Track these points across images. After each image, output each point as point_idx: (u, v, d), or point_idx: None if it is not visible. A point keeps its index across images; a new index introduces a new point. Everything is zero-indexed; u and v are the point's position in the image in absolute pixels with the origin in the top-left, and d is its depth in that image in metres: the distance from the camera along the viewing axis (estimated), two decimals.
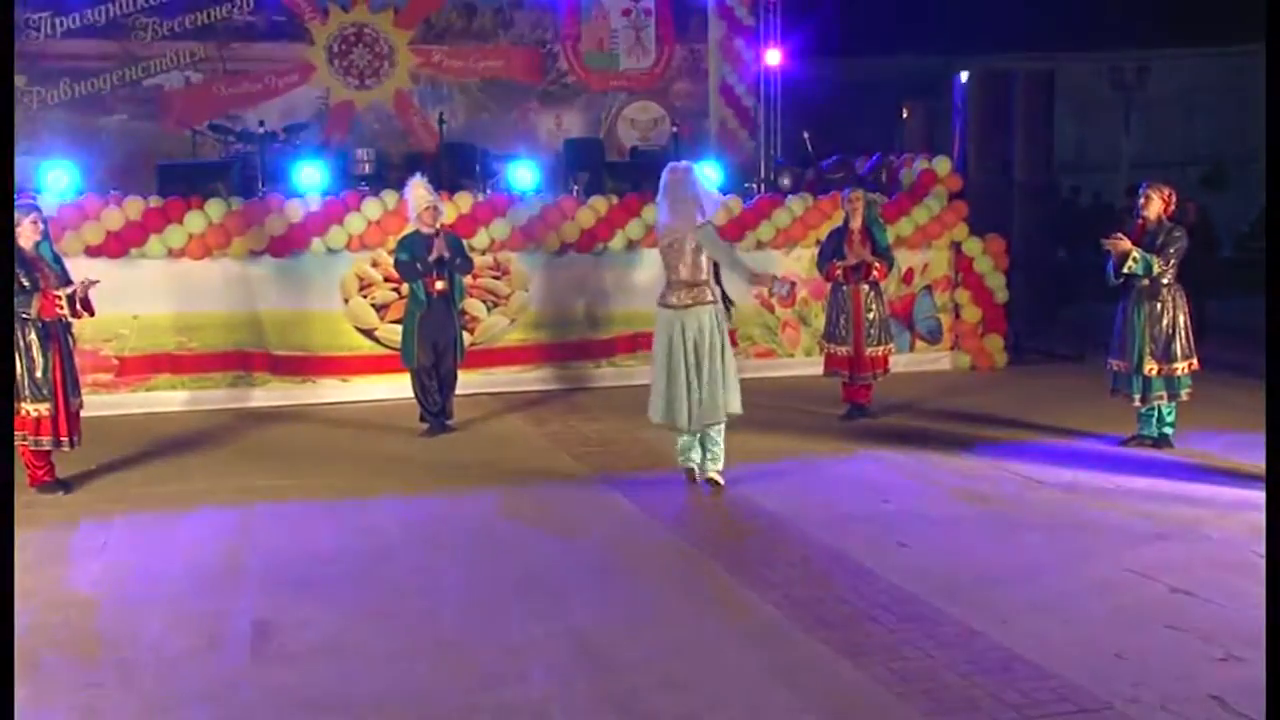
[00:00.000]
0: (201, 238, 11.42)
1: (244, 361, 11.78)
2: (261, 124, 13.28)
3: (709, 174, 9.84)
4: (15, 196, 8.98)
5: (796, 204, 13.05)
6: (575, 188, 13.25)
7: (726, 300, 8.50)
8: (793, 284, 8.88)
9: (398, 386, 11.09)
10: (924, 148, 15.49)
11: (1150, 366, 9.00)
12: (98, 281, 8.45)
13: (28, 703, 4.93)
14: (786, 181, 13.79)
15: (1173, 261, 8.92)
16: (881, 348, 10.51)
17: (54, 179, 11.53)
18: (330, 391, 11.93)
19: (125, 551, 7.11)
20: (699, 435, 8.26)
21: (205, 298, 11.62)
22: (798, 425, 10.42)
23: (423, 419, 10.28)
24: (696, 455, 8.35)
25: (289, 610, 6.02)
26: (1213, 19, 31.57)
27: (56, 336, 8.27)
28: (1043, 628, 5.59)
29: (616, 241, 12.49)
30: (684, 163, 8.55)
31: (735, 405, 8.24)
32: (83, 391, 8.70)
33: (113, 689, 5.11)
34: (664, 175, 8.30)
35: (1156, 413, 9.21)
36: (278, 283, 11.81)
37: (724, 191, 13.09)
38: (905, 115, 23.40)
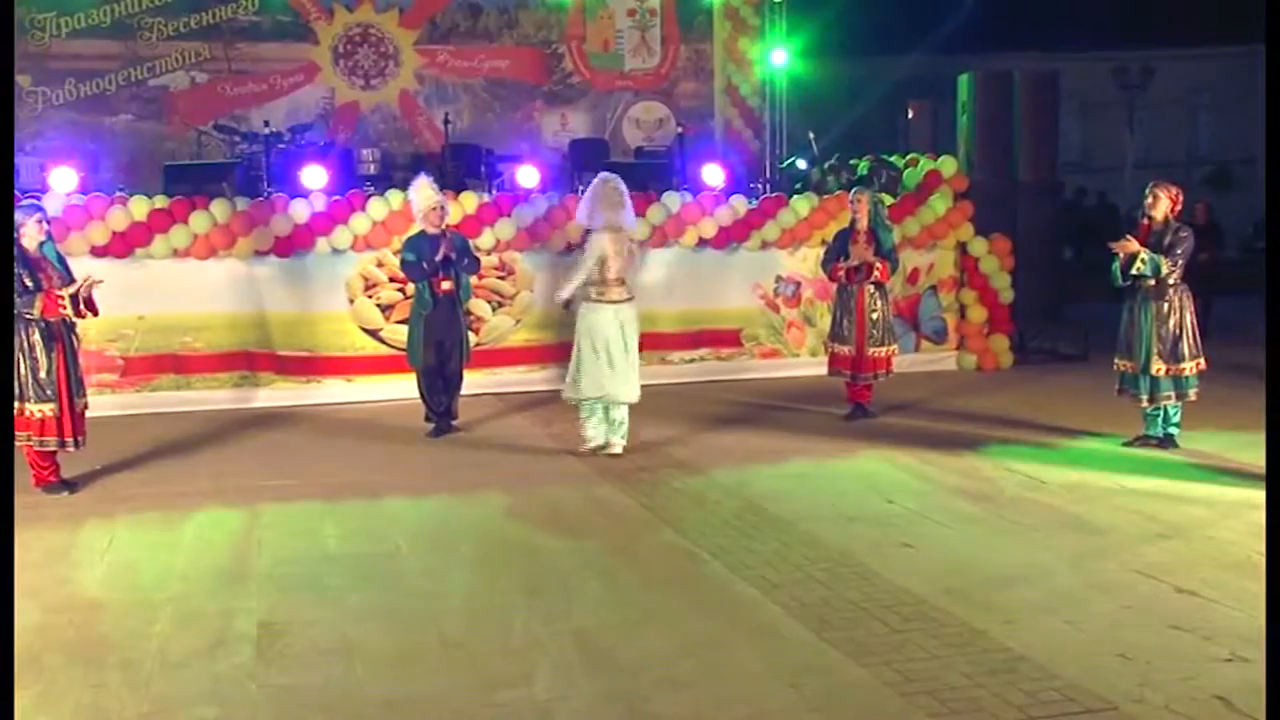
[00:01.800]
0: (207, 238, 11.44)
1: (249, 362, 11.79)
2: (267, 124, 13.31)
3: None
4: (20, 197, 9.02)
5: (802, 204, 13.05)
6: (580, 188, 13.25)
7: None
8: None
9: (403, 387, 11.10)
10: (929, 147, 15.49)
11: (1158, 366, 9.00)
12: (101, 281, 8.47)
13: (33, 703, 4.94)
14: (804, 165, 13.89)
15: (1180, 262, 8.92)
16: (884, 348, 10.51)
17: (59, 179, 11.54)
18: (335, 392, 11.95)
19: (130, 551, 7.11)
20: (607, 411, 9.38)
21: (210, 298, 11.63)
22: (802, 425, 10.42)
23: (428, 419, 10.28)
24: (604, 430, 9.39)
25: (294, 610, 6.02)
26: (1217, 19, 31.56)
27: (60, 337, 8.27)
28: (1047, 628, 5.59)
29: None
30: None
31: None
32: (88, 392, 8.71)
33: (118, 689, 5.11)
34: (616, 184, 9.29)
35: (1162, 413, 9.20)
36: (283, 283, 11.82)
37: (729, 192, 13.17)
38: (910, 115, 23.43)
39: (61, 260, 8.49)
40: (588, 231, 9.51)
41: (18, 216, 8.13)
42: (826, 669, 5.21)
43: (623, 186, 9.31)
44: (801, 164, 13.85)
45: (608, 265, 9.13)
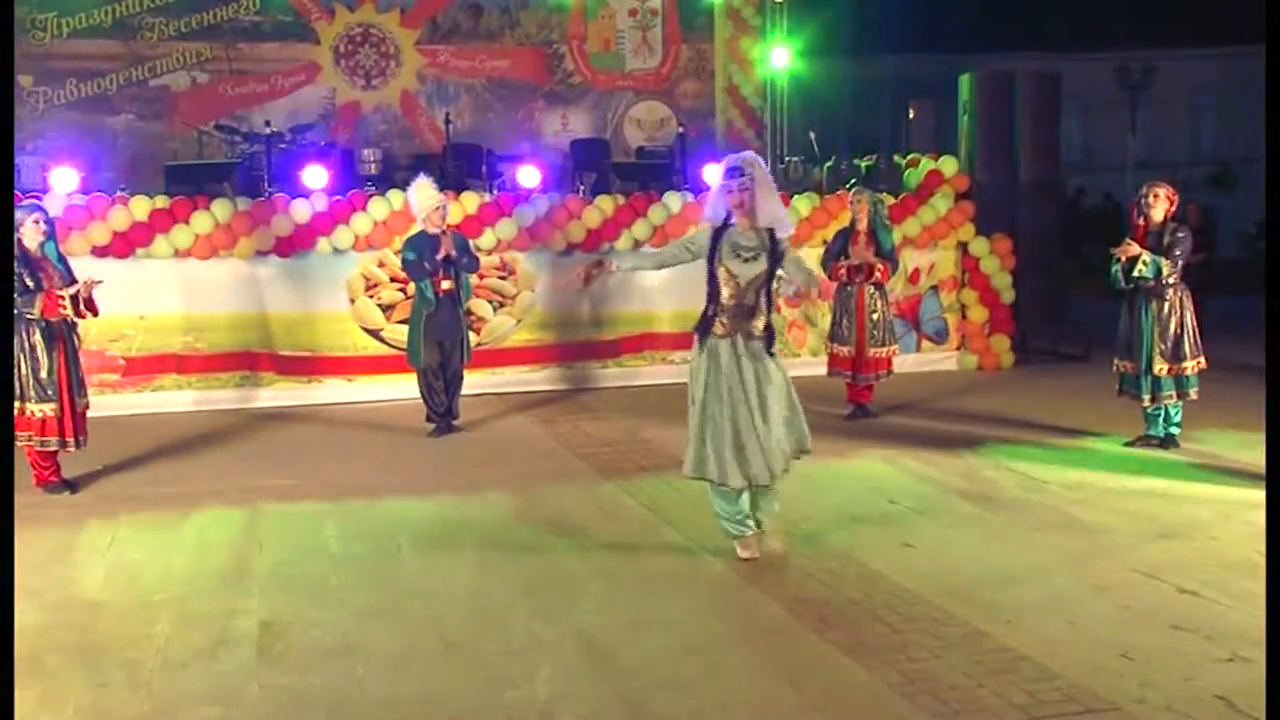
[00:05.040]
0: (208, 238, 11.44)
1: (250, 362, 11.80)
2: (268, 124, 13.31)
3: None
4: (20, 197, 9.02)
5: (803, 204, 13.04)
6: (581, 187, 13.27)
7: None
8: None
9: (404, 387, 11.10)
10: (931, 147, 15.49)
11: (1160, 367, 9.00)
12: (101, 281, 8.46)
13: (34, 703, 4.94)
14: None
15: (1180, 262, 8.92)
16: (885, 349, 10.51)
17: (60, 179, 11.54)
18: (336, 392, 11.95)
19: (131, 552, 7.11)
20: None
21: (212, 298, 11.64)
22: None
23: (429, 419, 10.28)
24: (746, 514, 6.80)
25: (296, 611, 6.02)
26: (1219, 18, 31.54)
27: (62, 337, 8.28)
28: (1049, 628, 5.59)
29: (623, 241, 12.50)
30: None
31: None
32: (89, 392, 8.71)
33: (119, 689, 5.11)
34: (757, 163, 6.63)
35: (1164, 412, 9.20)
36: (284, 283, 11.83)
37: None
38: (912, 115, 23.44)
39: (62, 260, 8.48)
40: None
41: (18, 216, 8.14)
42: (828, 669, 5.21)
43: (749, 166, 6.51)
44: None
45: (719, 281, 6.59)
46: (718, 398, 6.51)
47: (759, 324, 6.60)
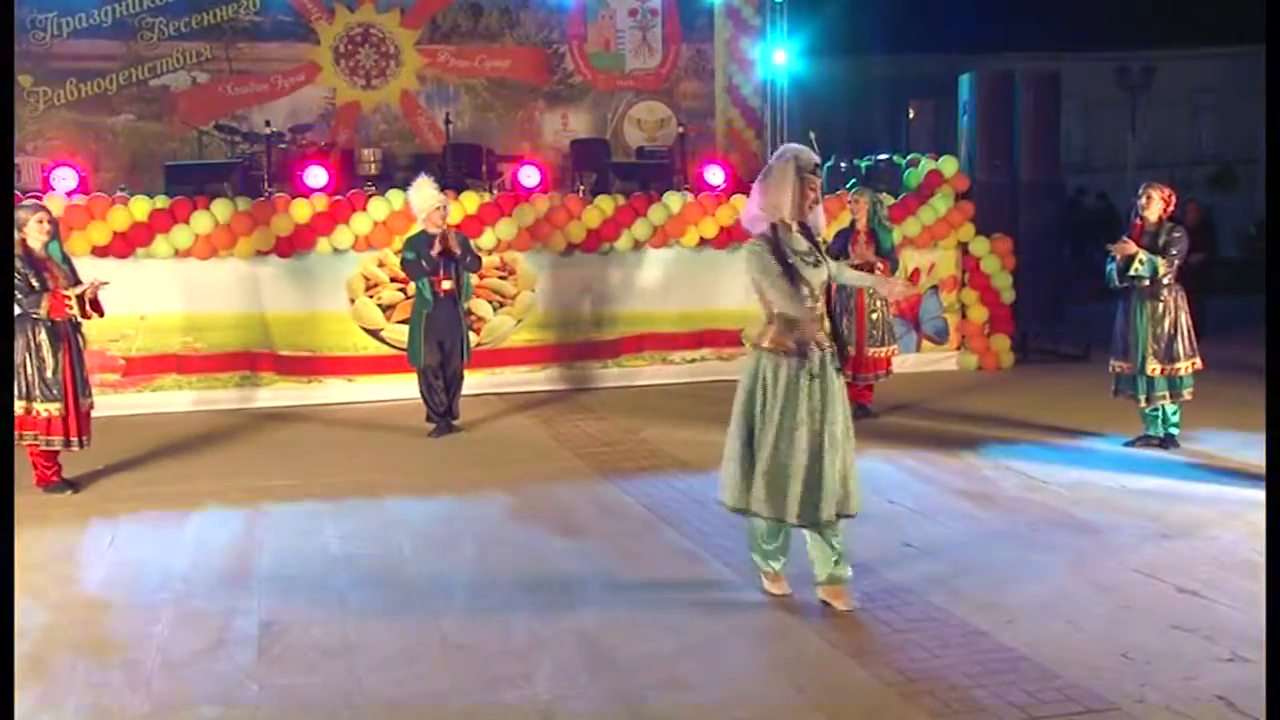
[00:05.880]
0: (208, 238, 11.44)
1: (251, 362, 11.80)
2: (268, 124, 13.33)
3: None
4: (21, 197, 9.03)
5: None
6: (581, 188, 13.27)
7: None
8: None
9: (404, 386, 11.11)
10: (931, 147, 15.48)
11: (1153, 367, 9.00)
12: (107, 283, 8.47)
13: (36, 702, 4.94)
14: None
15: (1175, 262, 8.92)
16: (884, 349, 10.52)
17: (61, 179, 11.55)
18: (336, 392, 11.95)
19: (132, 551, 7.11)
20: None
21: (212, 298, 11.64)
22: None
23: (429, 419, 10.28)
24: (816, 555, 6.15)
25: (296, 610, 6.03)
26: (1219, 18, 31.54)
27: (67, 336, 8.29)
28: (1048, 628, 5.59)
29: (623, 242, 12.50)
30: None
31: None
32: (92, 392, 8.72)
33: (120, 689, 5.12)
34: (793, 157, 5.86)
35: (1162, 413, 9.21)
36: (284, 283, 11.83)
37: (730, 192, 13.13)
38: (912, 115, 23.41)
39: (66, 260, 8.51)
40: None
41: (22, 215, 8.16)
42: (828, 669, 5.22)
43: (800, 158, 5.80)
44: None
45: (804, 292, 5.84)
46: (797, 421, 5.78)
47: (829, 333, 5.99)
